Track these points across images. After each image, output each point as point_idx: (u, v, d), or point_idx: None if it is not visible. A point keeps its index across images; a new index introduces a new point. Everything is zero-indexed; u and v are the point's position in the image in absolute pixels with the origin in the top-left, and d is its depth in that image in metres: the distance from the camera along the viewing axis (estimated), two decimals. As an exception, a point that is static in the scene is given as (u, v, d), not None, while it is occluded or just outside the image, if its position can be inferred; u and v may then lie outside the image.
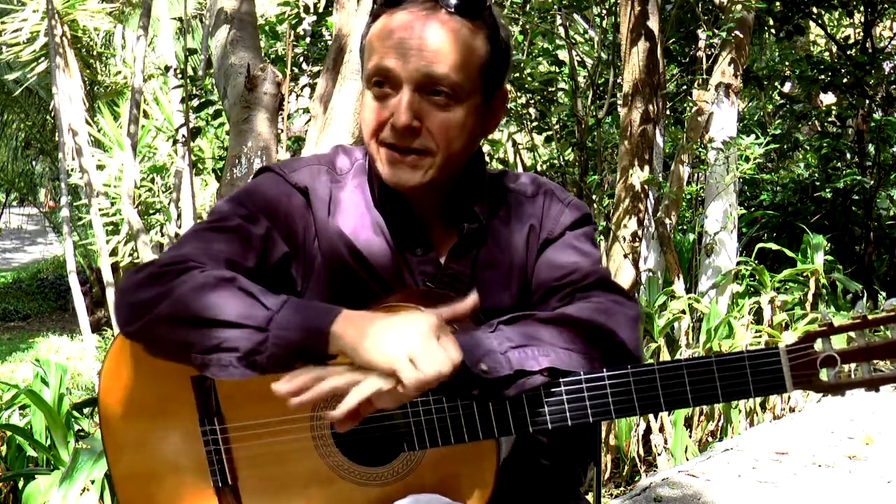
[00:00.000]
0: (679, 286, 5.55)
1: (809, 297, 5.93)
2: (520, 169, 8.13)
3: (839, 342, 1.23)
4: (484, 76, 1.35)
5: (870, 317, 1.20)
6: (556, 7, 6.57)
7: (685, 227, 7.80)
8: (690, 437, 4.35)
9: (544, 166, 7.68)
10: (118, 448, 1.37)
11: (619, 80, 6.13)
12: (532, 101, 7.11)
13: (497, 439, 1.27)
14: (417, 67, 1.28)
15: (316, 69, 5.73)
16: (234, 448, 1.33)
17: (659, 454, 4.14)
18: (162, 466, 1.35)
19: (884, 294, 7.58)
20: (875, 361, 1.22)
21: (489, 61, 1.35)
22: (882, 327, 1.20)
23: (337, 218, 1.39)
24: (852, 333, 1.22)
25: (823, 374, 1.21)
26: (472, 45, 1.32)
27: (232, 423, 1.32)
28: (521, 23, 6.46)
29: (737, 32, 5.83)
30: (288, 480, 1.30)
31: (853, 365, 1.21)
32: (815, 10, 8.14)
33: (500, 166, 8.66)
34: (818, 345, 1.21)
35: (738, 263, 6.03)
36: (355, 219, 1.39)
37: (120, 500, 1.38)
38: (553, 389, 1.25)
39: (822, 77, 7.79)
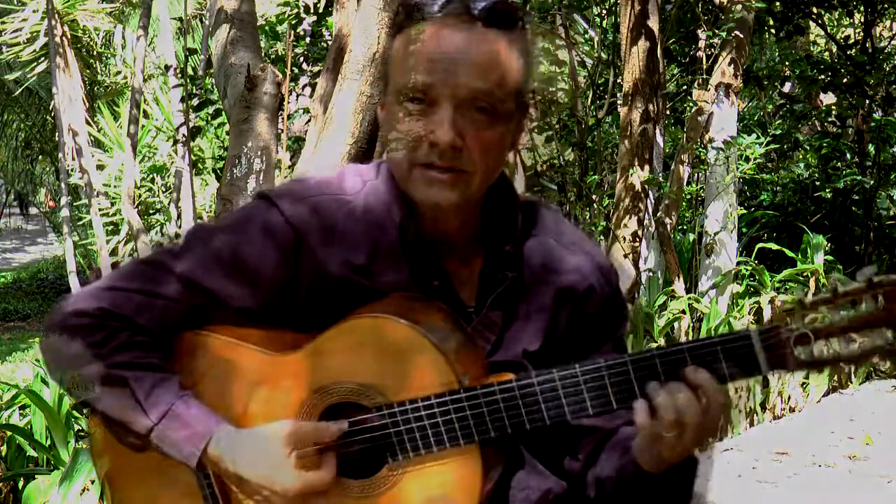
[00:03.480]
0: (679, 286, 5.55)
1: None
2: (519, 169, 8.11)
3: (813, 319, 1.18)
4: (518, 92, 1.28)
5: (840, 290, 1.16)
6: (556, 7, 6.57)
7: (685, 227, 7.78)
8: (690, 437, 4.34)
9: (544, 166, 7.67)
10: (116, 477, 1.39)
11: (619, 80, 6.14)
12: (532, 101, 7.09)
13: (482, 449, 1.23)
14: (460, 84, 1.21)
15: (316, 69, 5.73)
16: None
17: (659, 454, 4.14)
18: (156, 491, 1.35)
19: (884, 294, 7.54)
20: (851, 336, 1.16)
21: (524, 76, 1.28)
22: (856, 299, 1.15)
23: (344, 248, 1.31)
24: (826, 309, 1.16)
25: (799, 353, 1.17)
26: (509, 61, 1.25)
27: None
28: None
29: (737, 32, 5.82)
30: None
31: (830, 341, 1.17)
32: (815, 10, 8.12)
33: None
34: (791, 323, 1.17)
35: (738, 263, 6.02)
36: (367, 248, 1.31)
37: None
38: (548, 385, 1.22)
39: (822, 77, 7.78)
